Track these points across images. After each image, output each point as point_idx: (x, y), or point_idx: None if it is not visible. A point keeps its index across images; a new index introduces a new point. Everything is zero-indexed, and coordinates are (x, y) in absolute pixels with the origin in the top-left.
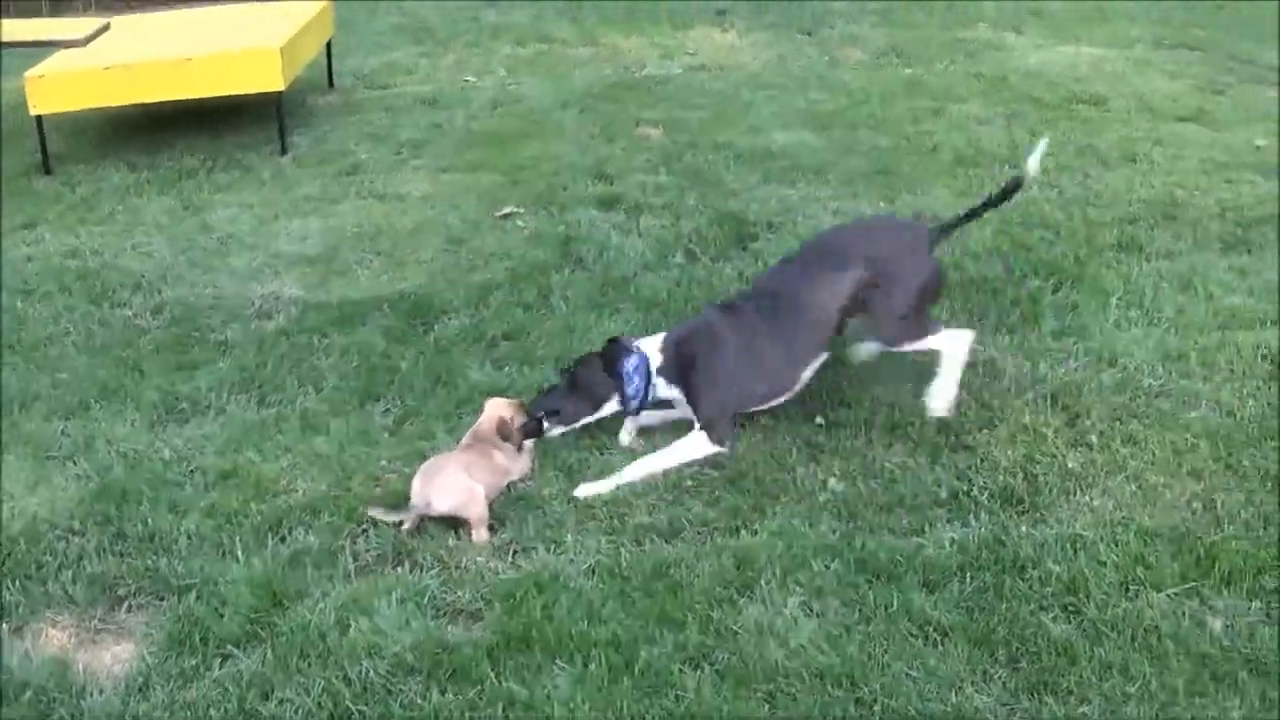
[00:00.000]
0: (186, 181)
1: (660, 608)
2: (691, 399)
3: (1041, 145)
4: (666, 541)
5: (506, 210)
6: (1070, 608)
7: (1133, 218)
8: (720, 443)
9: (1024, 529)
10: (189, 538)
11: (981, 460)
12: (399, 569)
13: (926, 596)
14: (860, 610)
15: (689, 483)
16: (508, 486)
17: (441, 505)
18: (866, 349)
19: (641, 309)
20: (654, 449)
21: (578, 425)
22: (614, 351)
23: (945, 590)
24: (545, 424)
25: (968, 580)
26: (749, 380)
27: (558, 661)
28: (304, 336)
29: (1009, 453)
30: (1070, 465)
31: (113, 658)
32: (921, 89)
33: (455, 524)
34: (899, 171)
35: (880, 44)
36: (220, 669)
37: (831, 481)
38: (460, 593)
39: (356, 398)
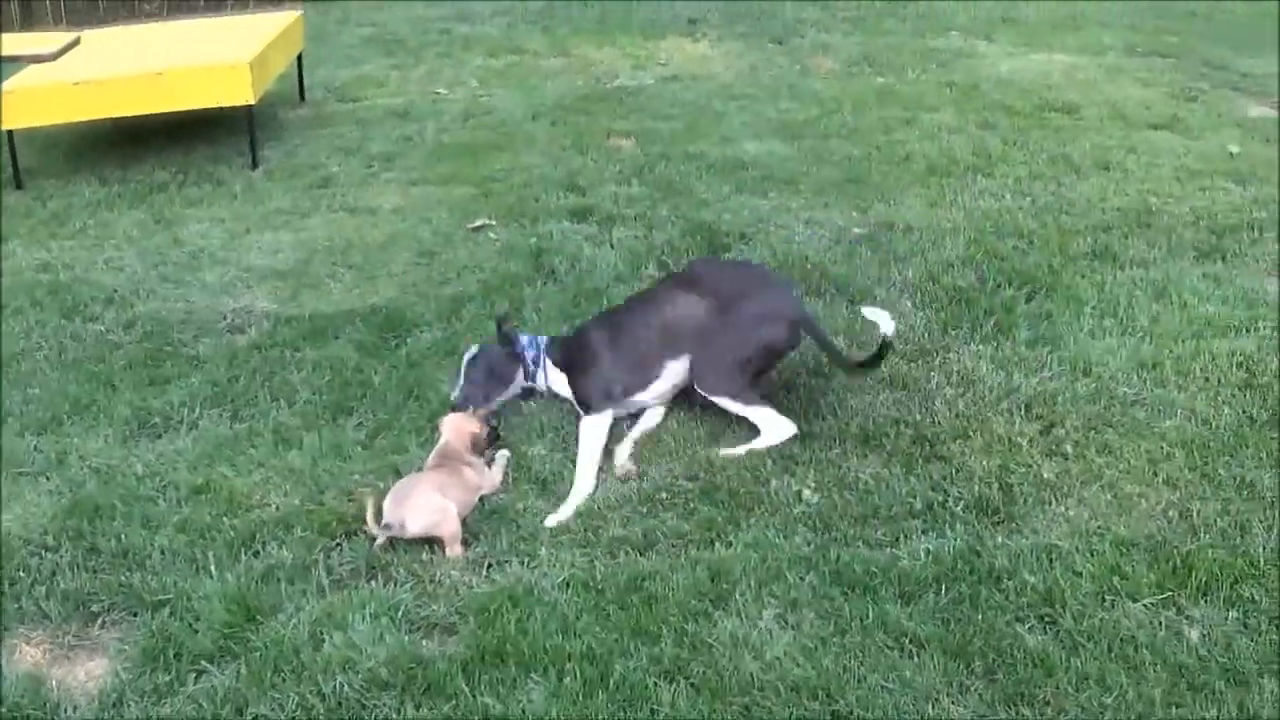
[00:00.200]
0: (158, 195)
1: (635, 621)
2: (572, 381)
3: (889, 324)
4: (641, 554)
5: (478, 223)
6: (1046, 618)
7: (1106, 226)
8: (589, 411)
9: (999, 539)
10: (162, 553)
11: (956, 471)
12: (373, 583)
13: (902, 608)
14: (836, 622)
15: (663, 495)
16: (480, 500)
17: (415, 527)
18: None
19: None
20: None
21: (494, 405)
22: (509, 334)
23: (921, 602)
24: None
25: (943, 591)
26: (616, 373)
27: (532, 675)
28: (276, 350)
29: (984, 463)
30: (1045, 475)
31: (87, 674)
32: (893, 98)
33: (429, 539)
34: (871, 181)
35: (852, 53)
36: (194, 685)
37: (806, 493)
38: (434, 607)
39: (329, 412)
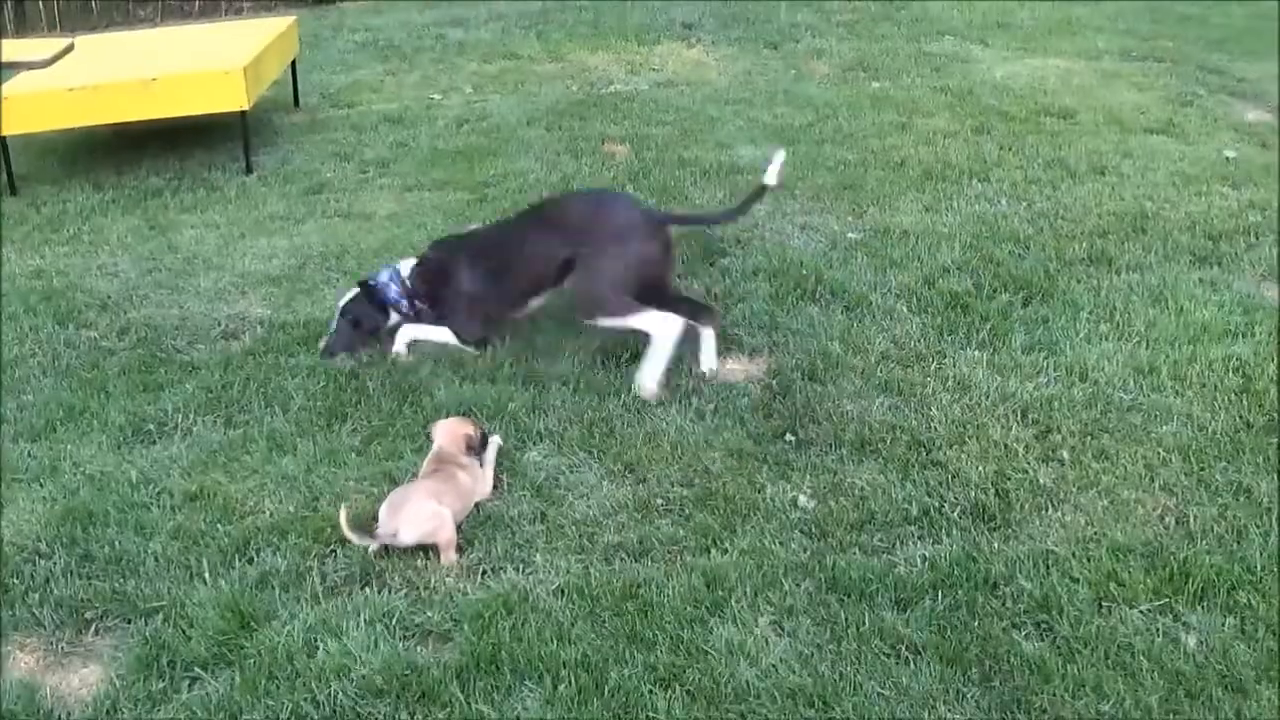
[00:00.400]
0: (152, 201)
1: (630, 627)
2: (436, 308)
3: (779, 156)
4: (636, 560)
5: (473, 228)
6: (1043, 625)
7: (1102, 231)
8: (465, 343)
9: (996, 545)
10: (156, 560)
11: (952, 476)
12: (367, 590)
13: (898, 615)
14: (832, 629)
15: (658, 501)
16: (475, 506)
17: (409, 536)
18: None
19: None
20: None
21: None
22: (373, 290)
23: (917, 608)
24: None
25: (939, 598)
26: (478, 297)
27: (527, 682)
28: (270, 357)
29: (980, 469)
30: (1042, 481)
31: (80, 681)
32: (888, 103)
33: (424, 546)
34: (866, 186)
35: (847, 57)
36: (188, 692)
37: (802, 499)
38: (429, 614)
39: (323, 418)
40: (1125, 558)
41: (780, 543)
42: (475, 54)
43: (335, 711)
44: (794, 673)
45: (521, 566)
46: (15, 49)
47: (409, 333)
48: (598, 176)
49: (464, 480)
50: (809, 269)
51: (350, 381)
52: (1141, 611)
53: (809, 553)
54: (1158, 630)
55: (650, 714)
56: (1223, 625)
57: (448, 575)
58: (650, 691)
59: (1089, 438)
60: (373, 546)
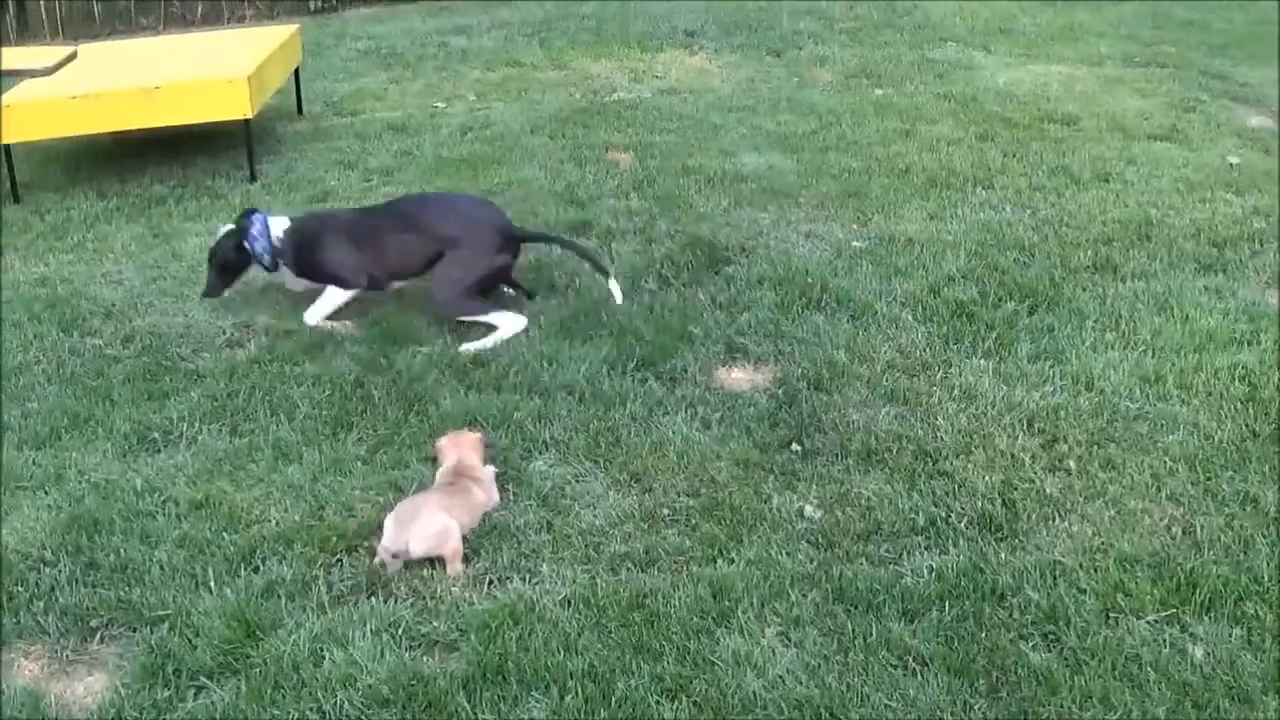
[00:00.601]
0: (156, 209)
1: (637, 638)
2: (306, 273)
3: (616, 287)
4: (642, 571)
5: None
6: (1050, 636)
7: (1107, 238)
8: (351, 289)
9: (1003, 556)
10: (161, 568)
11: (959, 486)
12: (373, 599)
13: (905, 626)
14: (839, 640)
15: (665, 511)
16: (483, 517)
17: (418, 550)
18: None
19: (614, 334)
20: None
21: (237, 286)
22: (244, 222)
23: (924, 619)
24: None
25: (946, 609)
26: (344, 267)
27: (534, 693)
28: (276, 365)
29: (986, 478)
30: (1049, 490)
31: (85, 689)
32: (891, 110)
33: (430, 557)
34: (870, 194)
35: (850, 65)
36: (194, 701)
37: (808, 509)
38: (435, 623)
39: (329, 427)
40: (1132, 568)
41: (787, 553)
42: (478, 62)
43: None
44: (801, 684)
45: (528, 576)
46: (18, 56)
47: (315, 315)
48: (602, 184)
49: (477, 495)
50: (814, 277)
51: (356, 390)
52: (1148, 622)
53: (815, 563)
54: (1165, 641)
55: None
56: (1230, 636)
57: (454, 585)
58: (657, 702)
59: (1095, 447)
60: (378, 559)
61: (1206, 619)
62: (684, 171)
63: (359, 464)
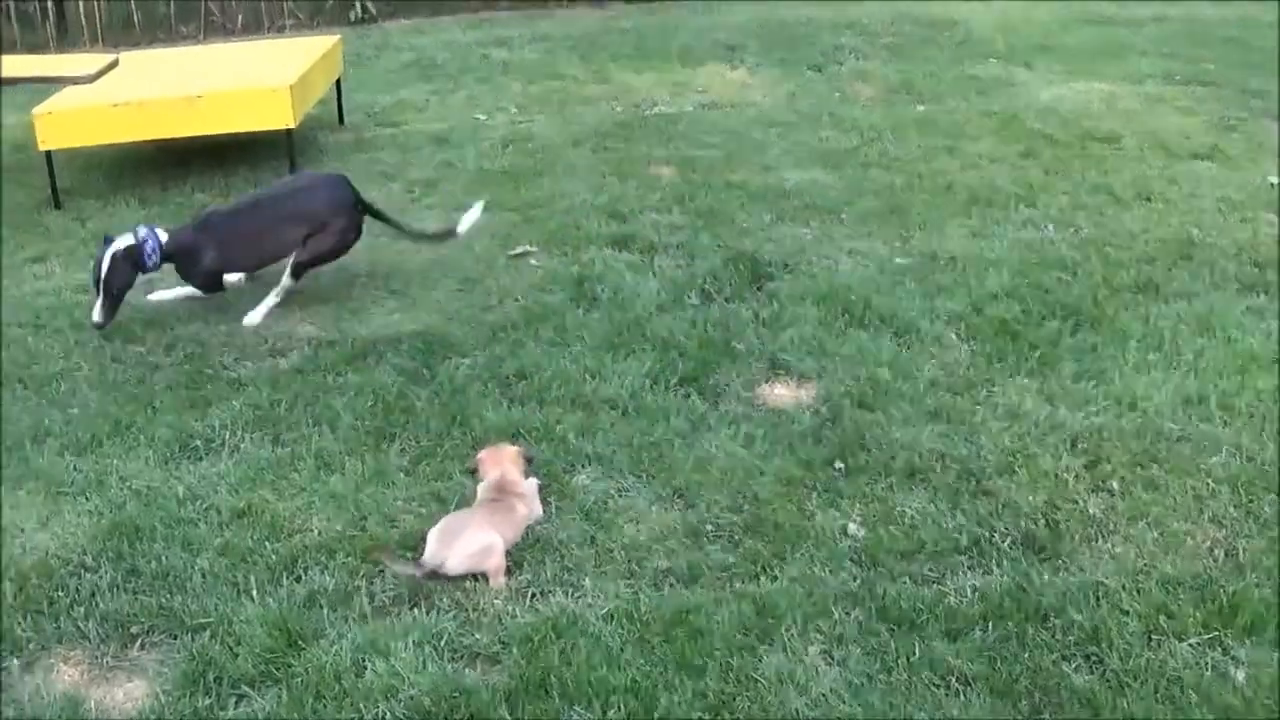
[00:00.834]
0: None
1: (680, 654)
2: (182, 270)
3: (476, 209)
4: (686, 587)
5: (520, 249)
6: (1093, 658)
7: (1149, 258)
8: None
9: (1046, 577)
10: (203, 576)
11: (1002, 506)
12: (416, 611)
13: (948, 645)
14: (882, 659)
15: (708, 527)
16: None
17: (458, 567)
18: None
19: (657, 349)
20: None
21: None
22: (130, 239)
23: (967, 639)
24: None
25: (990, 629)
26: (220, 258)
27: (576, 708)
28: (318, 375)
29: (1030, 498)
30: (1092, 511)
31: (125, 695)
32: (933, 126)
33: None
34: (912, 210)
35: (891, 80)
36: (235, 709)
37: (851, 527)
38: (478, 636)
39: (371, 437)
40: (1175, 590)
41: (830, 571)
42: (520, 74)
43: None
44: (844, 702)
45: (570, 590)
46: (60, 64)
47: (162, 295)
48: (644, 198)
49: (520, 511)
50: (857, 295)
51: (398, 401)
52: (1191, 645)
53: (859, 581)
54: (1207, 664)
55: None
56: (1271, 660)
57: (496, 598)
58: (700, 718)
59: (1138, 468)
60: (418, 575)
61: (1249, 642)
62: (726, 186)
63: (401, 475)
